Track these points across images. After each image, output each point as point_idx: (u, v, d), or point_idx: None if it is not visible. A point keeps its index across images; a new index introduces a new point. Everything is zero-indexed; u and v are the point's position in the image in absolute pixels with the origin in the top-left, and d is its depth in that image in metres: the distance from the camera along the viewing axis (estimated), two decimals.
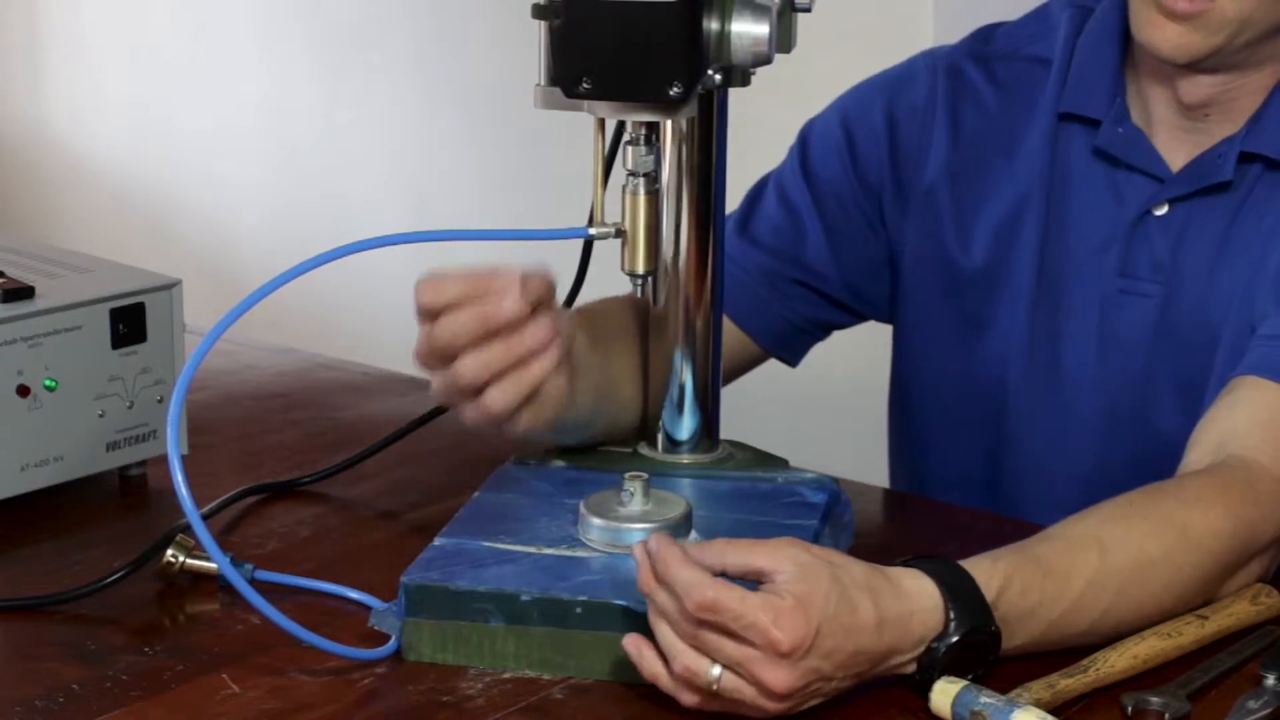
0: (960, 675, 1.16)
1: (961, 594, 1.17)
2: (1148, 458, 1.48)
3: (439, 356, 1.27)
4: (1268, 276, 1.45)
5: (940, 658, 1.16)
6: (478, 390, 1.27)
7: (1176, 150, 1.50)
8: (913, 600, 1.16)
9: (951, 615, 1.16)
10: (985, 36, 1.62)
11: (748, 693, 1.12)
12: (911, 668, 1.17)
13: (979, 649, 1.17)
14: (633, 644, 1.15)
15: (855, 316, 1.67)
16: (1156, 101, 1.50)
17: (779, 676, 1.11)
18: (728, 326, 1.62)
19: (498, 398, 1.26)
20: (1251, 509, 1.29)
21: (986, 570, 1.19)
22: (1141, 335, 1.50)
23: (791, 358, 1.69)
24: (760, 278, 1.62)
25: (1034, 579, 1.20)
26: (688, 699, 1.14)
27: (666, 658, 1.14)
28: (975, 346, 1.58)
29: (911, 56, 1.64)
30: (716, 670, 1.12)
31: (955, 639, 1.16)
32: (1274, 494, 1.30)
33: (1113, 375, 1.52)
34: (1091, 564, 1.23)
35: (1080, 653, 1.20)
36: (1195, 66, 1.44)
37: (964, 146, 1.58)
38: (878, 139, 1.60)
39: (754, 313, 1.62)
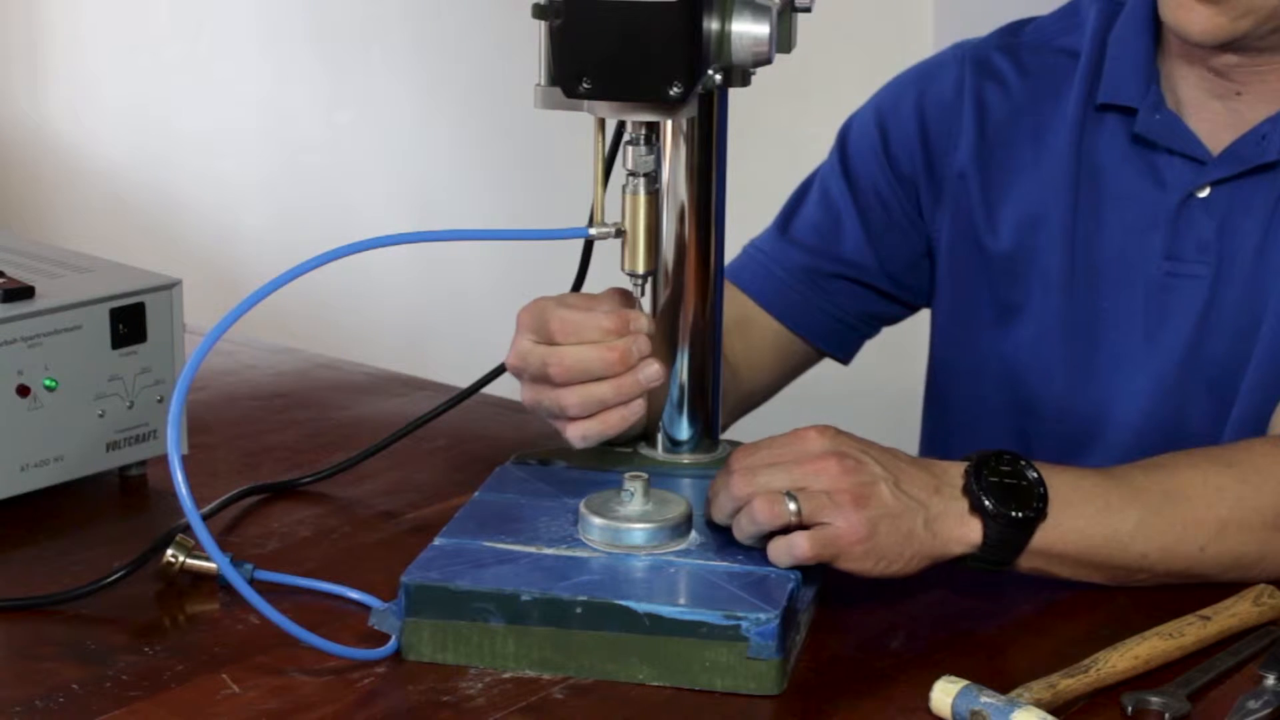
0: (1013, 511, 1.23)
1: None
2: (1181, 442, 1.48)
3: (540, 376, 1.29)
4: None
5: (984, 477, 1.23)
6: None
7: (1213, 133, 1.51)
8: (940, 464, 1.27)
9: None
10: (1014, 29, 1.65)
11: (824, 501, 1.19)
12: (969, 528, 1.23)
13: (1025, 483, 1.24)
14: (775, 550, 1.21)
15: (903, 307, 1.70)
16: (1188, 85, 1.52)
17: (822, 449, 1.21)
18: (775, 327, 1.65)
19: (589, 433, 1.29)
20: None
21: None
22: (1191, 315, 1.51)
23: (843, 355, 1.72)
24: (800, 275, 1.66)
25: (1089, 472, 1.30)
26: (803, 547, 1.20)
27: (755, 521, 1.21)
28: (1007, 331, 1.60)
29: (942, 50, 1.67)
30: (793, 505, 1.20)
31: (993, 453, 1.25)
32: None
33: (1158, 356, 1.52)
34: (1154, 475, 1.30)
35: (1082, 652, 1.20)
36: (1223, 48, 1.45)
37: (991, 132, 1.61)
38: (909, 131, 1.64)
39: (798, 310, 1.66)
